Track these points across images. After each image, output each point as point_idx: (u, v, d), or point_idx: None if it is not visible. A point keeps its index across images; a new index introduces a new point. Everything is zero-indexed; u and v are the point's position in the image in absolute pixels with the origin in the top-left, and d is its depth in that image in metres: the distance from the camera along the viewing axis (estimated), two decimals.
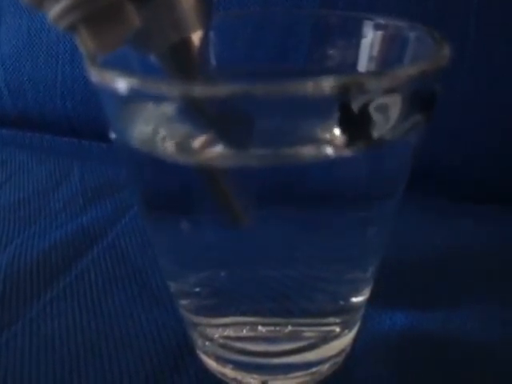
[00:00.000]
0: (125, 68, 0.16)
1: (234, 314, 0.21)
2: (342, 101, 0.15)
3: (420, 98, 0.17)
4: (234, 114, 0.16)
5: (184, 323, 0.23)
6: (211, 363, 0.22)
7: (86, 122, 0.45)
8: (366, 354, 0.23)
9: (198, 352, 0.23)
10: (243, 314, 0.21)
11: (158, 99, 0.17)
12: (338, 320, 0.21)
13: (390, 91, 0.16)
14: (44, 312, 0.26)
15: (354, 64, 0.21)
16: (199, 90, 0.15)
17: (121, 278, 0.28)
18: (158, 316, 0.26)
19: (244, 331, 0.21)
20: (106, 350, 0.24)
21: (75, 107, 0.45)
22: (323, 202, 0.18)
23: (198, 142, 0.19)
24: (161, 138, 0.19)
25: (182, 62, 0.18)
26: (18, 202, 0.36)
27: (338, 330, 0.21)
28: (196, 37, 0.18)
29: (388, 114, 0.17)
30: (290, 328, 0.21)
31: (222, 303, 0.21)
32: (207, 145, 0.19)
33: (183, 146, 0.19)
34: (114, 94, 0.16)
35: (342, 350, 0.22)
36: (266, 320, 0.21)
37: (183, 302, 0.22)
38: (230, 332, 0.21)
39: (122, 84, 0.15)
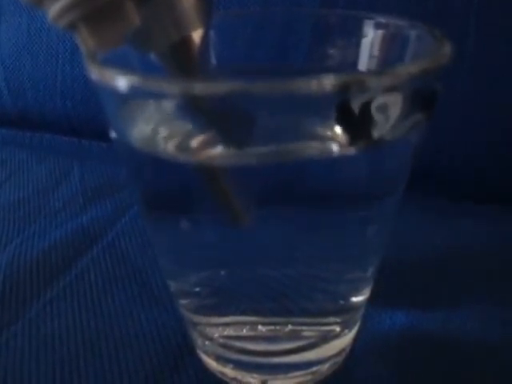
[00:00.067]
0: (125, 66, 0.16)
1: (234, 314, 0.21)
2: (342, 99, 0.15)
3: (421, 97, 0.17)
4: (234, 113, 0.16)
5: (184, 323, 0.23)
6: (211, 363, 0.22)
7: (86, 122, 0.45)
8: (365, 353, 0.23)
9: (198, 351, 0.23)
10: (243, 313, 0.21)
11: (158, 97, 0.17)
12: (338, 320, 0.21)
13: (390, 89, 0.16)
14: (44, 312, 0.26)
15: (355, 63, 0.21)
16: (199, 88, 0.15)
17: (121, 278, 0.28)
18: (158, 316, 0.26)
19: (244, 331, 0.21)
20: (105, 350, 0.24)
21: (75, 106, 0.45)
22: (323, 201, 0.18)
23: (198, 141, 0.19)
24: (161, 138, 0.19)
25: (182, 60, 0.18)
26: (17, 201, 0.36)
27: (338, 329, 0.21)
28: (196, 35, 0.18)
29: (388, 113, 0.17)
30: (290, 327, 0.21)
31: (221, 303, 0.21)
32: (207, 144, 0.19)
33: (183, 145, 0.19)
34: (114, 93, 0.16)
35: (342, 350, 0.22)
36: (266, 319, 0.21)
37: (183, 301, 0.22)
38: (229, 331, 0.21)
39: (122, 82, 0.15)
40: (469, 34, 0.33)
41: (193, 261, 0.20)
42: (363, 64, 0.21)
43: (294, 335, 0.21)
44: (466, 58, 0.33)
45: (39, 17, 0.45)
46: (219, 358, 0.22)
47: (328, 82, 0.14)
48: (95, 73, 0.16)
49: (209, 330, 0.22)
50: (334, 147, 0.19)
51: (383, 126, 0.17)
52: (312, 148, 0.19)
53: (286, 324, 0.21)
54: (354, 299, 0.21)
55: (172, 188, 0.19)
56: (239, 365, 0.21)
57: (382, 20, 0.21)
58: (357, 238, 0.19)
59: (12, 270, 0.29)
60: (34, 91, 0.46)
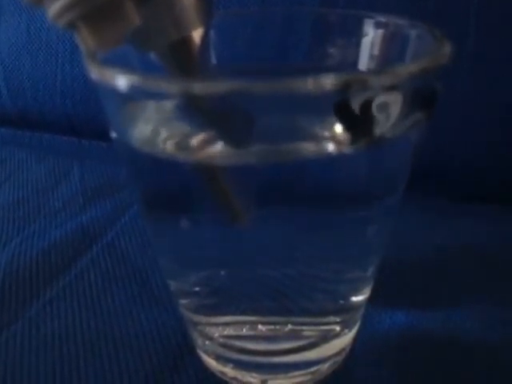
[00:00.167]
0: (125, 66, 0.16)
1: (234, 313, 0.21)
2: (344, 99, 0.15)
3: (421, 96, 0.17)
4: (234, 113, 0.16)
5: (184, 322, 0.23)
6: (211, 362, 0.22)
7: (86, 121, 0.45)
8: (365, 353, 0.23)
9: (198, 351, 0.23)
10: (243, 312, 0.21)
11: (158, 97, 0.17)
12: (337, 319, 0.21)
13: (390, 89, 0.16)
14: (44, 311, 0.26)
15: (355, 62, 0.21)
16: (199, 88, 0.15)
17: (121, 278, 0.28)
18: (158, 315, 0.26)
19: (244, 330, 0.21)
20: (105, 350, 0.24)
21: (75, 106, 0.45)
22: (323, 200, 0.18)
23: (198, 139, 0.19)
24: (161, 138, 0.19)
25: (182, 60, 0.18)
26: (17, 201, 0.36)
27: (337, 329, 0.21)
28: (196, 35, 0.18)
29: (389, 112, 0.17)
30: (289, 327, 0.21)
31: (221, 302, 0.21)
32: (207, 143, 0.19)
33: (183, 145, 0.19)
34: (114, 92, 0.16)
35: (342, 350, 0.22)
36: (266, 319, 0.21)
37: (183, 301, 0.22)
38: (229, 331, 0.21)
39: (122, 81, 0.15)
40: (469, 34, 0.33)
41: (193, 260, 0.20)
42: (363, 63, 0.21)
43: (293, 335, 0.21)
44: (465, 58, 0.33)
45: (39, 16, 0.45)
46: (219, 358, 0.22)
47: (328, 81, 0.14)
48: (95, 72, 0.16)
49: (209, 330, 0.22)
50: (334, 147, 0.19)
51: (383, 125, 0.17)
52: (312, 148, 0.19)
53: (286, 323, 0.21)
54: (354, 299, 0.21)
55: (172, 188, 0.19)
56: (239, 364, 0.21)
57: (382, 19, 0.21)
58: (357, 238, 0.19)
59: (12, 270, 0.29)
60: (34, 91, 0.46)
